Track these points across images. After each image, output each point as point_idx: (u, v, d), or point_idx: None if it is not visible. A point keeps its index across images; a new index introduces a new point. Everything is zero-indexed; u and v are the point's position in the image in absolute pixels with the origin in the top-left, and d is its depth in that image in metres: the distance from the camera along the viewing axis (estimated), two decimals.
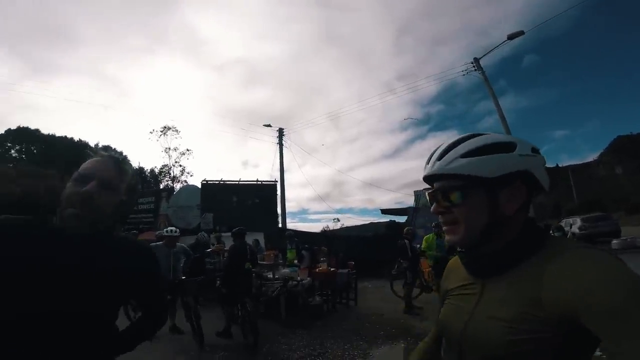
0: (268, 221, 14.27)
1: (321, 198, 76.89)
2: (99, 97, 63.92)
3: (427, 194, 0.79)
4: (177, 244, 5.45)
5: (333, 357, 4.37)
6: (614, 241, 7.22)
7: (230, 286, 4.96)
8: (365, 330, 5.47)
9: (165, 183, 28.74)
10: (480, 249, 0.73)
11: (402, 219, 17.39)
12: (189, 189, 16.58)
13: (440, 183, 0.75)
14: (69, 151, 25.96)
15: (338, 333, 5.27)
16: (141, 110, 62.17)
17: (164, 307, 1.20)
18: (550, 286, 0.60)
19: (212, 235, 9.74)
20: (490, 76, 15.33)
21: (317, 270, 7.24)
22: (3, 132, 26.06)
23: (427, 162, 0.77)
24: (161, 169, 30.00)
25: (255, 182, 15.71)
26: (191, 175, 30.29)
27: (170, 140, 26.90)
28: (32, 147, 26.01)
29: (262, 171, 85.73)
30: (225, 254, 7.54)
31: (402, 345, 4.79)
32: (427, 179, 0.78)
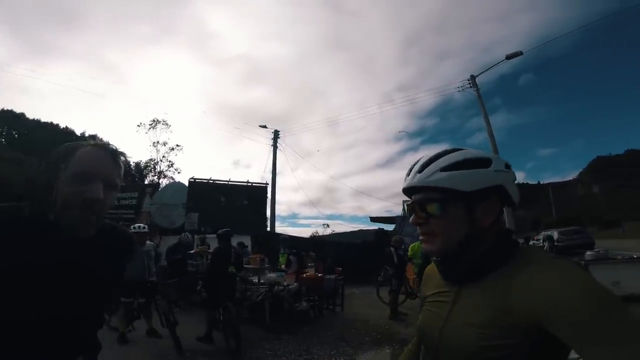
0: (256, 224, 14.00)
1: (312, 203, 76.92)
2: (95, 85, 62.57)
3: (406, 205, 0.72)
4: (147, 242, 5.20)
5: None
6: (588, 252, 7.63)
7: (212, 290, 4.81)
8: (351, 335, 5.44)
9: (151, 178, 27.96)
10: (455, 258, 0.75)
11: (390, 227, 17.40)
12: (175, 186, 16.16)
13: (420, 195, 0.77)
14: (53, 138, 25.01)
15: (324, 339, 5.21)
16: (135, 101, 60.78)
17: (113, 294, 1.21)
18: (519, 295, 0.63)
19: (196, 237, 9.45)
20: (486, 93, 15.73)
21: (304, 275, 7.14)
22: None
23: (408, 174, 0.79)
24: (147, 162, 29.11)
25: (245, 183, 15.45)
26: (179, 172, 29.59)
27: (160, 134, 26.19)
28: (14, 132, 25.03)
29: (254, 172, 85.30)
30: (209, 256, 7.33)
31: (388, 351, 4.81)
32: (406, 190, 0.80)
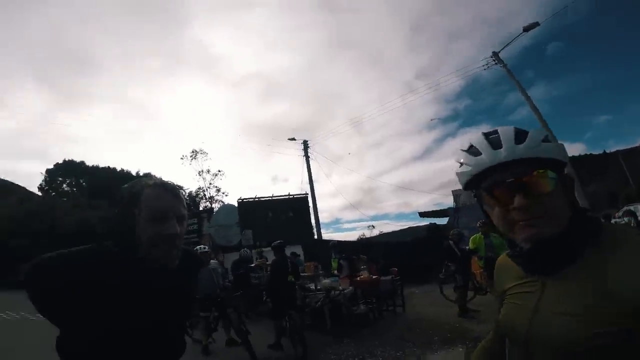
0: (303, 233, 14.42)
1: (353, 206, 76.32)
2: (128, 123, 67.97)
3: (506, 182, 0.68)
4: (211, 260, 5.61)
5: None
6: None
7: (276, 299, 5.06)
8: (416, 336, 5.31)
9: (204, 204, 29.80)
10: (555, 243, 0.66)
11: (442, 220, 16.88)
12: (226, 208, 17.15)
13: (521, 169, 0.66)
14: (113, 181, 27.76)
15: (386, 340, 5.17)
16: (169, 132, 65.43)
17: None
18: (620, 278, 0.58)
19: (254, 251, 9.97)
20: (514, 67, 14.86)
21: (358, 278, 7.16)
22: (52, 166, 28.35)
23: (493, 147, 0.68)
24: (197, 191, 31.30)
25: (287, 197, 15.97)
26: (226, 195, 31.24)
27: (202, 162, 27.94)
28: (81, 180, 28.06)
29: (292, 184, 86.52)
30: (268, 268, 7.71)
31: (461, 349, 4.60)
32: (501, 166, 0.67)
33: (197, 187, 31.19)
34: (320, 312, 6.07)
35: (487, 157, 0.69)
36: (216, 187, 30.29)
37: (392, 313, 7.16)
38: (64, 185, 28.66)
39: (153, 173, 30.57)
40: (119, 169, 30.30)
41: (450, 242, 6.80)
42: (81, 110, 62.88)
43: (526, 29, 12.70)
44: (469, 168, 0.72)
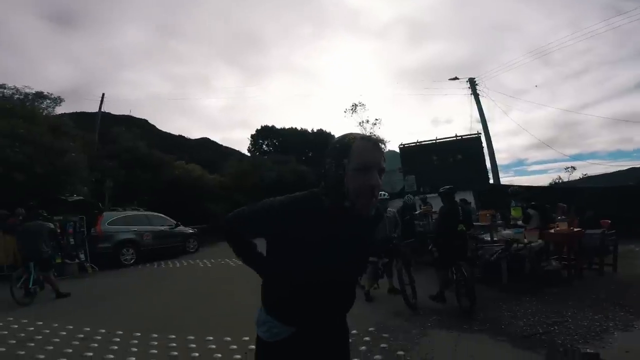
0: (476, 178, 13.07)
1: (545, 144, 61.88)
2: (298, 88, 76.81)
3: None
4: (388, 209, 5.59)
5: (575, 327, 3.60)
6: None
7: (444, 249, 4.84)
8: (630, 300, 4.29)
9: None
10: None
11: None
12: (389, 154, 17.49)
13: None
14: (295, 138, 32.81)
15: (585, 302, 4.35)
16: (331, 90, 70.71)
17: None
18: None
19: (416, 197, 9.91)
20: None
21: (552, 230, 6.01)
22: (255, 132, 35.77)
23: None
24: None
25: (455, 138, 14.65)
26: (388, 142, 31.58)
27: (361, 114, 29.00)
28: (275, 141, 34.51)
29: (456, 126, 77.50)
30: (434, 216, 7.51)
31: None
32: None
33: None
34: (495, 266, 5.53)
35: None
36: (376, 135, 30.95)
37: (597, 273, 5.85)
38: (264, 146, 35.89)
39: (323, 129, 34.00)
40: (299, 128, 35.23)
41: None
42: (263, 82, 75.87)
43: None
44: None
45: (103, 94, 22.14)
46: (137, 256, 10.19)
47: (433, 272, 5.27)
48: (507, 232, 6.28)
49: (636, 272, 5.67)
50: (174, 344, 3.64)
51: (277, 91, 70.50)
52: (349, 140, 1.07)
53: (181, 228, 11.97)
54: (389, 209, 5.65)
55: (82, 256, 9.29)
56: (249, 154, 33.13)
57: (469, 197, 10.43)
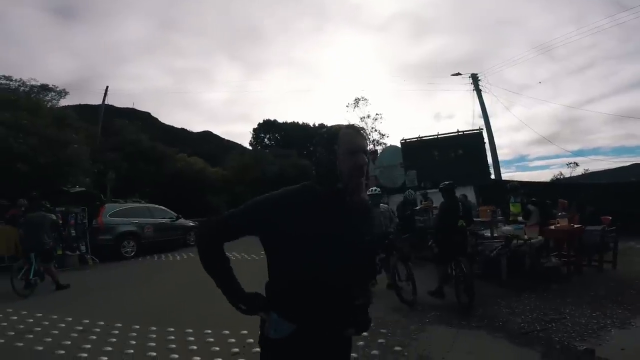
0: (478, 173, 13.00)
1: (547, 140, 61.42)
2: (299, 82, 76.65)
3: None
4: (381, 204, 5.61)
5: (573, 324, 3.60)
6: None
7: (443, 244, 4.83)
8: (628, 298, 4.29)
9: (369, 148, 31.09)
10: None
11: None
12: (390, 149, 17.39)
13: None
14: (297, 132, 32.76)
15: (584, 299, 4.36)
16: (332, 85, 70.49)
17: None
18: None
19: (417, 192, 9.88)
20: None
21: (552, 227, 6.00)
22: (256, 125, 35.74)
23: None
24: None
25: (456, 133, 14.54)
26: (387, 137, 31.38)
27: (363, 108, 28.81)
28: (277, 135, 34.51)
29: (458, 121, 77.27)
30: (435, 211, 7.48)
31: None
32: None
33: None
34: (495, 262, 5.51)
35: None
36: (377, 130, 30.76)
37: (597, 270, 5.84)
38: (266, 140, 35.92)
39: (325, 123, 33.91)
40: (300, 122, 35.20)
41: None
42: (265, 76, 75.47)
43: None
44: None
45: (107, 87, 22.05)
46: (138, 249, 10.23)
47: (432, 267, 5.25)
48: (507, 228, 6.28)
49: (635, 270, 5.65)
50: (172, 337, 3.65)
51: (278, 85, 70.35)
52: (335, 129, 1.21)
53: (182, 221, 12.01)
54: (381, 204, 5.64)
55: (82, 248, 9.33)
56: (250, 148, 33.01)
57: (470, 192, 10.38)
